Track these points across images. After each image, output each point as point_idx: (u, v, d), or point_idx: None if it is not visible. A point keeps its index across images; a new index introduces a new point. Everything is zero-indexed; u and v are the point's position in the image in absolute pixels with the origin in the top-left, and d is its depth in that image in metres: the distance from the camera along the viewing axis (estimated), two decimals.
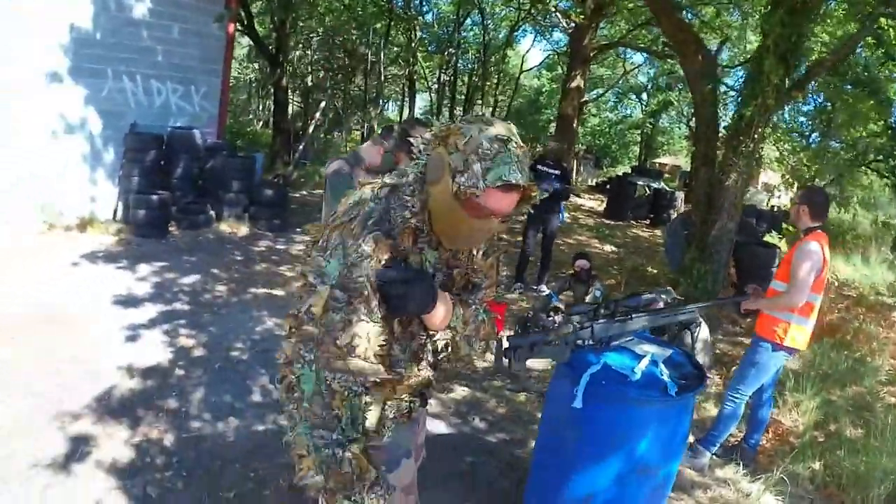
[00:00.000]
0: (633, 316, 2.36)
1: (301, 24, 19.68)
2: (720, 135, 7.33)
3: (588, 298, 5.56)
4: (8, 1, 6.48)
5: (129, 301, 5.25)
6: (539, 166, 6.86)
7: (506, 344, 2.06)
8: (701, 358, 4.91)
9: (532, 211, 6.78)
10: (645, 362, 2.49)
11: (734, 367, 5.12)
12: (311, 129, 16.00)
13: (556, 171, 6.85)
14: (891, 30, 8.12)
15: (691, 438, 3.96)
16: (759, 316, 3.63)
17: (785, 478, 3.62)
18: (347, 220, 1.46)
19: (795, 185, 13.79)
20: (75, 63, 7.16)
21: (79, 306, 4.96)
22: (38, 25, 6.77)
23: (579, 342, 2.25)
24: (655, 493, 2.52)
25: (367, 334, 1.41)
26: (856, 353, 5.69)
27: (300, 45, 23.37)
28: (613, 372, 2.41)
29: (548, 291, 6.54)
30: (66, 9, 7.02)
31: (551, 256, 7.28)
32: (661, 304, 2.40)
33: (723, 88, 17.48)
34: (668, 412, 2.39)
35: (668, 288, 5.06)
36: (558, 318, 5.67)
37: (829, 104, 14.12)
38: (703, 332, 4.88)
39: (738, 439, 4.13)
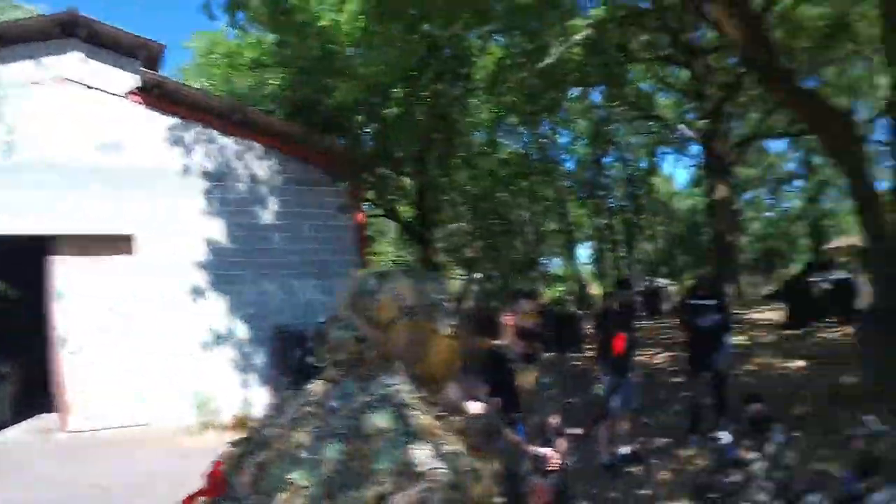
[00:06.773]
0: None
1: (446, 197, 18.55)
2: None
3: (768, 448, 4.51)
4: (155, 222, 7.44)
5: None
6: (692, 301, 6.04)
7: None
8: None
9: (692, 351, 5.97)
10: None
11: None
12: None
13: (712, 302, 5.96)
14: None
15: None
16: None
17: None
18: None
19: None
20: (216, 274, 7.80)
21: None
22: (181, 243, 7.60)
23: None
24: None
25: None
26: None
27: (452, 219, 21.66)
28: None
29: (726, 440, 5.39)
30: (203, 226, 7.86)
31: (727, 399, 6.01)
32: None
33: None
34: None
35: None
36: (738, 478, 4.53)
37: None
38: None
39: None
